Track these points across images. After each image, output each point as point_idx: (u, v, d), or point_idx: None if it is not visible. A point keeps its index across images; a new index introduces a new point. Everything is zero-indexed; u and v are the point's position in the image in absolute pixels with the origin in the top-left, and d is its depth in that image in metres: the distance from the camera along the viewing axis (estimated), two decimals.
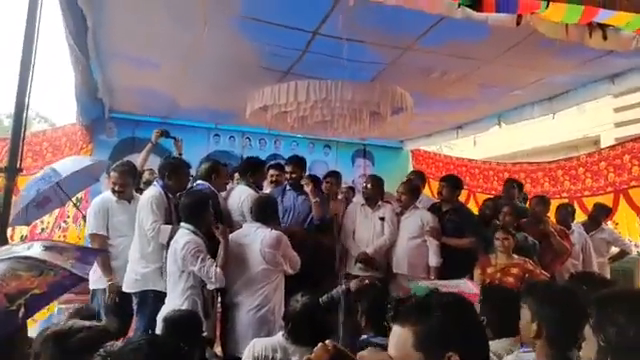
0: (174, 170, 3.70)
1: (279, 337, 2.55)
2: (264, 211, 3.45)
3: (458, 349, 1.07)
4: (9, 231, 5.39)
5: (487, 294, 2.47)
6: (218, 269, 3.08)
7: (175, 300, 3.07)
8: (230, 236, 3.36)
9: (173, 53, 4.11)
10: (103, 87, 4.96)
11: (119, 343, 1.15)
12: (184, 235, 3.16)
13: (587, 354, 1.36)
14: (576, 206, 5.71)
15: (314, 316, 2.50)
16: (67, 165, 4.30)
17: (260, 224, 3.41)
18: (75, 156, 5.62)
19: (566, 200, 5.80)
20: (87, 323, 1.62)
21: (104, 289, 3.68)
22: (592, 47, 2.88)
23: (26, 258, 1.92)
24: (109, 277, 3.66)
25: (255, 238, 3.35)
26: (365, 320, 2.53)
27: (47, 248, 2.07)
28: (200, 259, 3.06)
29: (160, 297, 3.29)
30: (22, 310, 1.68)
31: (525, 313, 1.80)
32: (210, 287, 3.14)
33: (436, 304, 1.14)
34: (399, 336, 1.14)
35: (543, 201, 4.69)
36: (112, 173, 3.93)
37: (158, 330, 3.07)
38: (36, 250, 2.08)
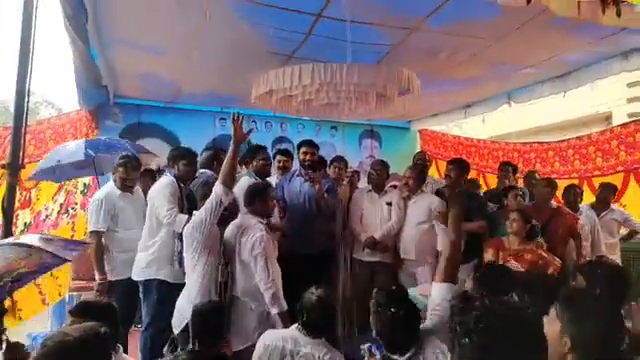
0: (183, 159, 3.67)
1: (292, 329, 2.54)
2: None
3: None
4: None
5: None
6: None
7: (190, 288, 3.03)
8: None
9: (175, 39, 4.04)
10: (106, 73, 4.91)
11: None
12: None
13: None
14: (586, 187, 5.63)
15: (328, 308, 2.49)
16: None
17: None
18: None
19: (576, 180, 5.70)
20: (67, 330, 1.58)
21: (120, 280, 3.69)
22: (605, 25, 2.77)
23: (16, 244, 2.24)
24: (101, 275, 3.66)
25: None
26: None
27: (41, 238, 2.41)
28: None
29: (166, 285, 3.29)
30: (8, 285, 2.06)
31: (554, 324, 1.50)
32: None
33: None
34: None
35: (550, 184, 4.61)
36: (119, 168, 3.84)
37: (176, 319, 3.04)
38: (29, 238, 2.45)
